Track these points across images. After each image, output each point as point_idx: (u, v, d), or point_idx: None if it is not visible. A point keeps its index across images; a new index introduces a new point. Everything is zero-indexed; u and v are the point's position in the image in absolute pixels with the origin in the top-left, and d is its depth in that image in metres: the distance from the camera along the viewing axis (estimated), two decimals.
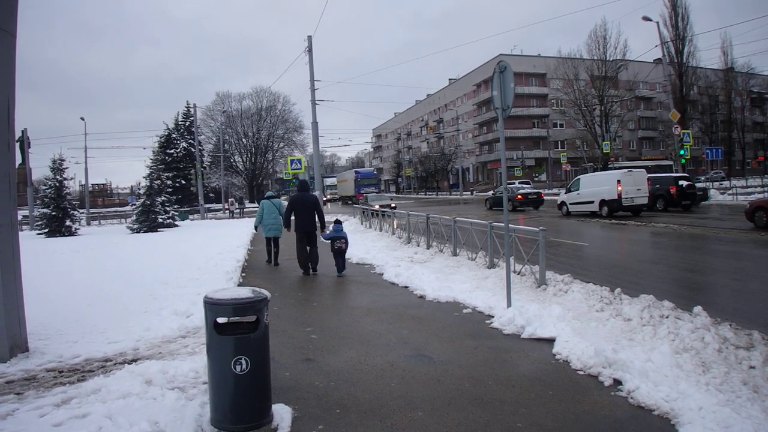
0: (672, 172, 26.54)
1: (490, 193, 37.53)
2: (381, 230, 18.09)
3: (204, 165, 49.49)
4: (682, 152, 28.69)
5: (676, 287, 7.86)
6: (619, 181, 20.31)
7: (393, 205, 28.36)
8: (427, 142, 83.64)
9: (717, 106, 54.62)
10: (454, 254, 11.30)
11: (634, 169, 21.52)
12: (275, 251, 11.71)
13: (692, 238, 13.09)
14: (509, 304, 6.55)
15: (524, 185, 36.98)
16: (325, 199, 50.75)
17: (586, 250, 12.23)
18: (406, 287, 8.54)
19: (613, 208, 20.16)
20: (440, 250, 12.15)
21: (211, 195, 58.79)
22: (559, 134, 60.73)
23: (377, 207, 20.31)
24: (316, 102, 24.39)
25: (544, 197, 30.27)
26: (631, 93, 51.50)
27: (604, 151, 41.22)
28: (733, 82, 53.86)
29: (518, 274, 8.59)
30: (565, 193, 23.14)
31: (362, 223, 21.68)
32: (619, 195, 20.06)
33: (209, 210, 44.05)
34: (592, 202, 21.09)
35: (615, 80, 46.97)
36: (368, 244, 14.45)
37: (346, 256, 10.36)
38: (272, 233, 11.71)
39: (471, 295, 7.53)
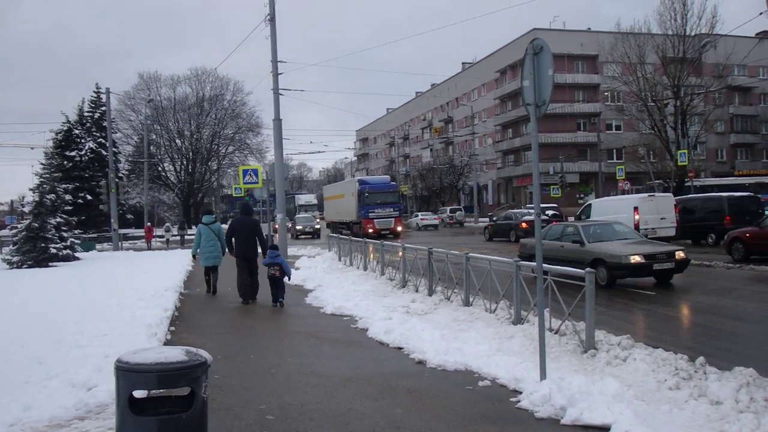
0: None
1: (490, 220, 42.27)
2: (366, 268, 18.17)
3: (120, 174, 49.34)
4: None
5: None
6: (636, 209, 22.00)
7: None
8: (431, 150, 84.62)
9: None
10: (467, 303, 11.36)
11: (657, 194, 23.49)
12: (214, 278, 14.71)
13: None
14: (543, 376, 6.53)
15: (550, 209, 38.08)
16: (290, 228, 49.77)
17: (645, 300, 12.33)
18: (400, 348, 8.55)
19: None
20: (447, 297, 12.21)
21: (129, 216, 58.61)
22: (615, 140, 61.56)
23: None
24: (280, 91, 24.59)
25: None
26: (720, 82, 51.23)
27: (680, 164, 41.28)
28: None
29: (556, 333, 8.62)
30: (575, 221, 24.71)
31: (340, 259, 21.72)
32: (636, 225, 21.53)
33: (126, 237, 43.80)
34: None
35: (698, 64, 47.00)
36: (348, 288, 14.46)
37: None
38: (211, 262, 14.49)
39: (490, 361, 7.52)
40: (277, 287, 12.71)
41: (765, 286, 13.76)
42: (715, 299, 12.33)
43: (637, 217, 21.90)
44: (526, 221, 31.20)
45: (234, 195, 41.31)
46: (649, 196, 23.56)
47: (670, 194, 25.08)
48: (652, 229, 22.04)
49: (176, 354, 3.92)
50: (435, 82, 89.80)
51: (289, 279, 13.19)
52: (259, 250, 13.35)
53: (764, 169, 62.34)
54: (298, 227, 46.35)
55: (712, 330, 9.48)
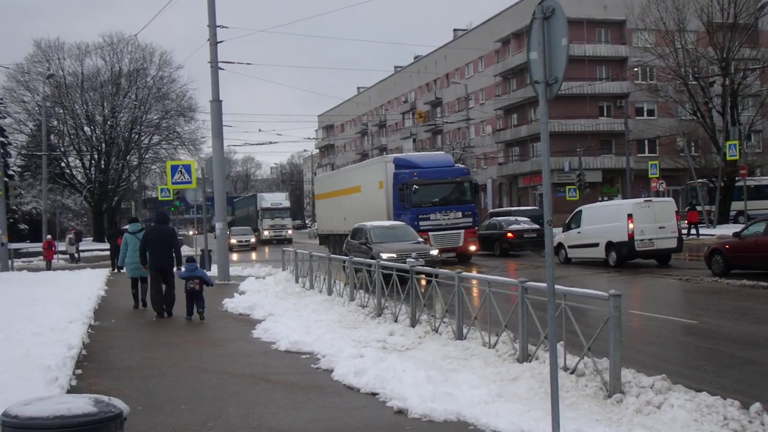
0: None
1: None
2: (330, 292, 18.14)
3: (10, 172, 48.79)
4: None
5: None
6: (630, 216, 23.63)
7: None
8: (414, 140, 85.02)
9: None
10: (459, 336, 11.35)
11: (655, 199, 25.41)
12: (143, 291, 16.89)
13: None
14: (557, 428, 6.56)
15: (526, 215, 38.59)
16: (239, 241, 49.14)
17: (682, 330, 12.46)
18: (374, 394, 8.52)
19: (623, 255, 23.95)
20: (434, 328, 12.19)
21: (23, 227, 57.92)
22: (648, 128, 62.07)
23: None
24: (220, 65, 24.60)
25: None
26: None
27: (729, 158, 41.99)
28: None
29: (572, 372, 8.66)
30: (563, 231, 26.60)
31: (297, 280, 21.71)
32: (631, 236, 23.38)
33: (19, 254, 43.22)
34: (596, 244, 24.79)
35: (753, 31, 47.74)
36: (308, 317, 14.43)
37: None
38: (139, 273, 16.70)
39: (489, 410, 7.52)
40: (196, 300, 15.06)
41: None
42: (763, 328, 12.53)
43: (631, 225, 23.36)
44: (513, 231, 32.08)
45: (160, 198, 40.14)
46: (645, 201, 25.34)
47: (671, 199, 27.33)
48: (650, 240, 23.51)
49: (82, 405, 3.89)
50: (419, 54, 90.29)
51: (211, 285, 16.08)
52: (177, 261, 15.78)
53: None
54: (231, 240, 45.38)
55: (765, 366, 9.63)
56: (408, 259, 18.64)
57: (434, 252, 22.20)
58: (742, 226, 24.41)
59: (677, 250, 24.71)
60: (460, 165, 34.18)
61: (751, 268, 19.85)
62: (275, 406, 8.36)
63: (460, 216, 29.95)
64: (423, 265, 16.77)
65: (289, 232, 62.43)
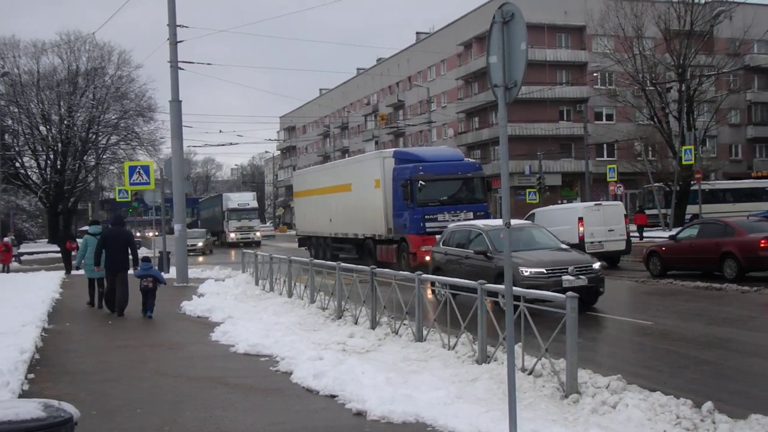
0: None
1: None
2: (291, 294, 18.09)
3: None
4: None
5: None
6: (581, 219, 24.65)
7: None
8: (377, 142, 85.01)
9: None
10: (419, 338, 11.40)
11: (605, 203, 26.10)
12: (99, 292, 17.41)
13: None
14: (514, 429, 6.60)
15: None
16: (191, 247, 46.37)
17: (638, 331, 12.65)
18: (333, 397, 8.52)
19: None
20: (394, 330, 12.21)
21: None
22: (606, 132, 62.82)
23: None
24: (180, 65, 24.42)
25: None
26: (736, 61, 52.75)
27: (684, 162, 42.63)
28: None
29: (530, 373, 8.74)
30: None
31: (257, 283, 21.60)
32: (581, 238, 24.26)
33: None
34: None
35: (708, 39, 48.45)
36: (268, 320, 14.35)
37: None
38: (97, 274, 17.18)
39: (448, 411, 7.54)
40: (149, 298, 15.89)
41: None
42: (728, 330, 12.76)
43: (581, 228, 24.33)
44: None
45: (118, 199, 39.41)
46: (595, 205, 26.30)
47: (620, 203, 28.59)
48: (600, 242, 24.52)
49: (31, 409, 3.85)
50: (382, 56, 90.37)
51: (165, 283, 17.05)
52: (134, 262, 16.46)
53: None
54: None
55: (723, 368, 9.79)
56: (565, 277, 14.58)
57: (596, 265, 15.50)
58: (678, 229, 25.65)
59: (625, 252, 25.80)
60: (468, 160, 29.74)
61: (686, 269, 21.24)
62: (233, 409, 8.30)
63: (471, 217, 25.51)
64: (586, 284, 14.53)
65: (258, 234, 60.19)
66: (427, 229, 25.06)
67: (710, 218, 29.50)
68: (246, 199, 64.20)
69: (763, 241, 19.24)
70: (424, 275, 11.94)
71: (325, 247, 33.73)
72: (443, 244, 18.44)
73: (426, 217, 25.32)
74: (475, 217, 25.09)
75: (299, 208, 40.29)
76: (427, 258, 23.00)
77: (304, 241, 38.20)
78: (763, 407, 7.11)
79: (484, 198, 27.08)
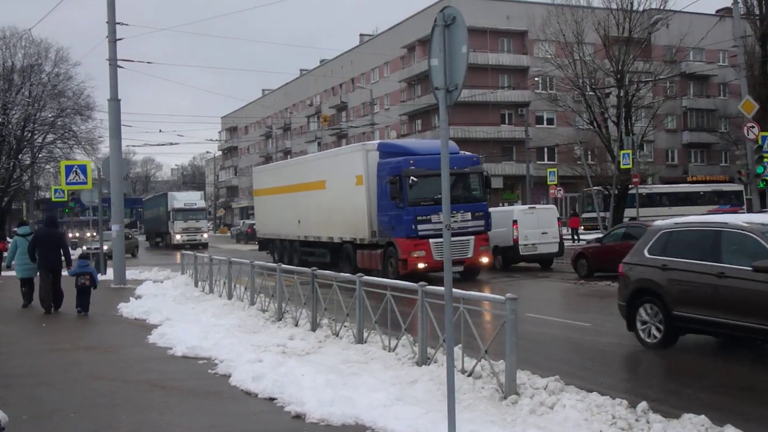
0: (741, 201, 29.04)
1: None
2: (231, 296, 17.96)
3: None
4: (760, 169, 30.62)
5: (752, 402, 8.42)
6: (515, 222, 25.60)
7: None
8: (319, 144, 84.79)
9: None
10: (360, 340, 11.40)
11: (539, 206, 26.99)
12: (25, 291, 17.88)
13: None
14: (452, 430, 6.63)
15: None
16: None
17: (577, 330, 12.85)
18: (272, 399, 8.48)
19: (509, 259, 26.14)
20: (335, 332, 12.21)
21: None
22: (547, 136, 63.97)
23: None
24: (119, 63, 24.12)
25: None
26: (673, 68, 54.16)
27: (622, 167, 43.31)
28: None
29: (469, 375, 8.79)
30: None
31: (196, 284, 21.35)
32: (516, 241, 25.41)
33: None
34: None
35: (646, 45, 49.23)
36: (207, 322, 14.20)
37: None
38: (28, 274, 17.63)
39: (387, 413, 7.56)
40: (85, 296, 16.27)
41: None
42: None
43: (516, 231, 25.16)
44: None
45: (54, 199, 38.62)
46: (529, 208, 27.44)
47: (553, 206, 29.82)
48: (533, 244, 25.48)
49: None
50: (325, 57, 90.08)
51: (95, 288, 16.77)
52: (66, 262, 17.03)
53: (723, 174, 66.33)
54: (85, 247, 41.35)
55: (658, 368, 9.99)
56: None
57: None
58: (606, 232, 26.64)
59: (558, 254, 26.70)
60: (466, 153, 26.31)
61: (611, 270, 21.37)
62: (170, 412, 8.22)
63: (470, 218, 23.25)
64: None
65: (205, 236, 58.09)
66: (420, 233, 22.44)
67: (633, 222, 30.97)
68: (193, 198, 62.23)
69: None
70: (366, 277, 11.90)
71: (292, 252, 31.01)
72: (652, 252, 11.67)
73: (418, 218, 22.49)
74: (474, 218, 23.22)
75: (261, 207, 36.64)
76: (420, 265, 21.85)
77: (266, 244, 35.11)
78: (696, 406, 7.28)
79: (484, 196, 24.33)
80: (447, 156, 6.75)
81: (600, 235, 29.35)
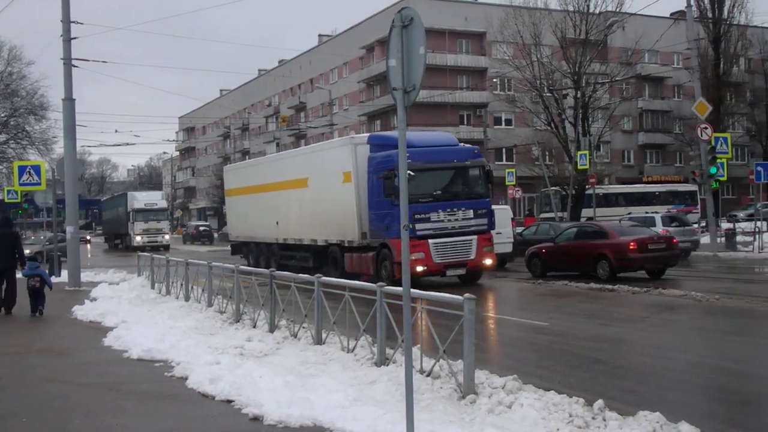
0: (695, 201, 29.39)
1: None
2: (188, 298, 17.81)
3: None
4: (713, 170, 31.26)
5: (703, 397, 8.60)
6: None
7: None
8: (278, 144, 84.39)
9: None
10: (318, 341, 11.37)
11: (493, 206, 24.35)
12: None
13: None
14: (410, 430, 6.64)
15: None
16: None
17: (533, 330, 13.00)
18: (230, 401, 8.43)
19: None
20: (293, 333, 12.17)
21: None
22: (506, 137, 64.36)
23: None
24: (74, 62, 23.87)
25: None
26: (628, 70, 54.70)
27: (579, 167, 43.79)
28: None
29: (428, 375, 8.81)
30: None
31: (153, 286, 21.16)
32: None
33: None
34: None
35: (603, 47, 50.12)
36: (163, 324, 14.06)
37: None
38: None
39: (346, 414, 7.56)
40: (37, 298, 16.32)
41: (676, 313, 14.94)
42: (620, 330, 13.24)
43: None
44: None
45: (7, 200, 38.06)
46: None
47: (507, 207, 30.15)
48: None
49: None
50: (284, 57, 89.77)
51: (51, 288, 17.07)
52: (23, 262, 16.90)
53: (678, 175, 67.22)
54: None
55: (615, 367, 10.12)
56: None
57: None
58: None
59: (512, 254, 27.10)
60: (467, 145, 24.50)
61: (563, 270, 22.49)
62: (126, 416, 8.12)
63: (471, 216, 21.42)
64: None
65: (166, 237, 56.66)
66: (418, 233, 20.26)
67: (586, 222, 31.63)
68: (154, 198, 60.93)
69: (632, 244, 20.70)
70: (324, 278, 11.86)
71: (270, 256, 28.80)
72: None
73: (416, 216, 20.19)
74: (476, 217, 21.49)
75: (233, 208, 34.22)
76: (419, 268, 20.05)
77: (239, 247, 32.83)
78: (651, 404, 7.37)
79: (486, 192, 22.38)
80: (405, 155, 6.82)
81: (520, 229, 30.44)
